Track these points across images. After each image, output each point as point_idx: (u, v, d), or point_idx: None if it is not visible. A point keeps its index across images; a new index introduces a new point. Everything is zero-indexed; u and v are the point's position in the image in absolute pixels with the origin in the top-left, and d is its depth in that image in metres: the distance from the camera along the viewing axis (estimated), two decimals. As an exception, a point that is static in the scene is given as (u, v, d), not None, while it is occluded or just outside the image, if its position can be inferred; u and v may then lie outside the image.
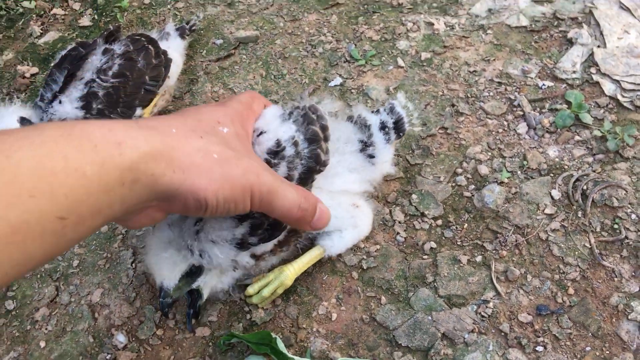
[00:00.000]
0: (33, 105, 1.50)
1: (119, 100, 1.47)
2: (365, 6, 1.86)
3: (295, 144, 1.14)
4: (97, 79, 1.44)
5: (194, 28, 1.81)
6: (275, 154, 1.10)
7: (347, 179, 1.27)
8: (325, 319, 1.27)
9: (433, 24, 1.74)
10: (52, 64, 1.53)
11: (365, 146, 1.27)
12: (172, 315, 1.32)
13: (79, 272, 1.42)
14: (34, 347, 1.32)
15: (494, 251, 1.30)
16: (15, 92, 1.83)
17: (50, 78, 1.49)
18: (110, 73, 1.45)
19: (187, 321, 1.23)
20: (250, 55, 1.80)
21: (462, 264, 1.29)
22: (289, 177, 1.11)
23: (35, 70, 1.89)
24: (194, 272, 1.18)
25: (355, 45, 1.74)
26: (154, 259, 1.17)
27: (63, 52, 1.54)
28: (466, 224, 1.35)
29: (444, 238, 1.34)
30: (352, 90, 1.64)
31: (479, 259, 1.30)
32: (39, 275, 1.43)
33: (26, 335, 1.34)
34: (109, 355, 1.29)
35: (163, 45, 1.62)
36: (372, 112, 1.32)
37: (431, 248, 1.31)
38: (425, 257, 1.31)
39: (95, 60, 1.49)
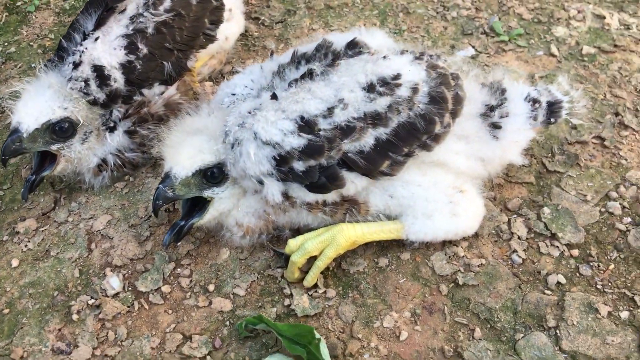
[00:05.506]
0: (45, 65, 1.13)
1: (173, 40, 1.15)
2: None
3: (415, 90, 0.94)
4: (144, 13, 1.12)
5: None
6: (384, 84, 0.92)
7: (450, 147, 0.97)
8: (391, 336, 0.98)
9: (604, 18, 1.44)
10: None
11: (491, 111, 1.01)
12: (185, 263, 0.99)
13: (89, 188, 1.17)
14: (3, 264, 1.08)
15: (649, 310, 0.95)
16: None
17: (77, 24, 1.14)
18: (161, 8, 1.14)
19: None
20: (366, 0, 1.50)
21: (599, 316, 0.98)
22: (381, 117, 0.90)
23: None
24: (214, 175, 0.97)
25: (500, 18, 1.47)
26: (175, 140, 0.98)
27: None
28: (613, 265, 1.05)
29: (578, 274, 1.04)
30: (485, 67, 1.31)
31: (624, 314, 0.99)
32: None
33: (-1, 246, 1.09)
34: (92, 300, 1.01)
35: None
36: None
37: (558, 283, 1.03)
38: (548, 292, 1.02)
39: None
